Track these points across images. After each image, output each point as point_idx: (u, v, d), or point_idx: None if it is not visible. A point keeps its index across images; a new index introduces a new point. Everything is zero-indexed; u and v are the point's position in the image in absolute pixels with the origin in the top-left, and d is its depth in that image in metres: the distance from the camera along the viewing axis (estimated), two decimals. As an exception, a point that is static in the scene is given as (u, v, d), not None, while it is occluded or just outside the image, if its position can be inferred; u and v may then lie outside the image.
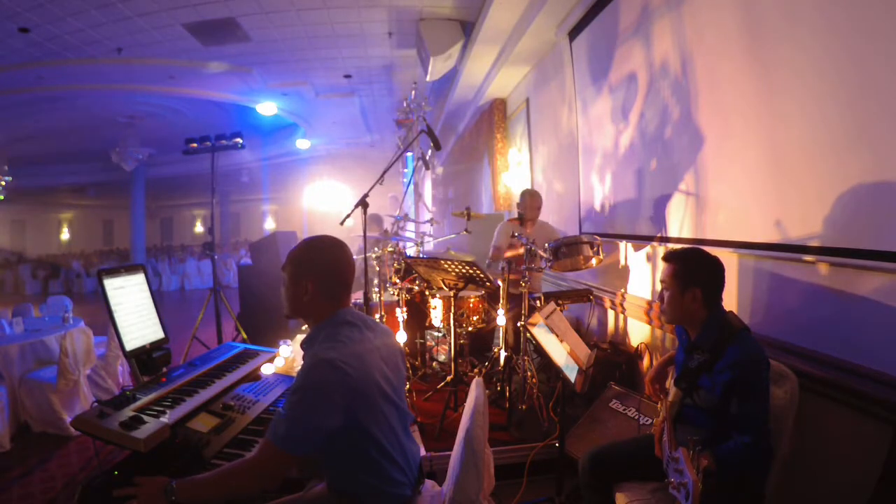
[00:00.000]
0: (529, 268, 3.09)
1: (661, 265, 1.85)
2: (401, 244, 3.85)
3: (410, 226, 5.71)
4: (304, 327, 1.71)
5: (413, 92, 6.14)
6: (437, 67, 5.40)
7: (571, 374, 2.19)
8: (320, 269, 1.44)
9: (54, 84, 6.92)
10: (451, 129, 9.14)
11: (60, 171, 14.85)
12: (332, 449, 1.32)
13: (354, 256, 1.65)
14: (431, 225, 4.72)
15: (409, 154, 7.90)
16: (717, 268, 1.74)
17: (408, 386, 3.32)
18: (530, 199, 3.70)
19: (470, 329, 3.56)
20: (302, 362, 1.35)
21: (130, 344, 2.06)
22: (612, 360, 3.16)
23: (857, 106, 1.67)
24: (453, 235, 4.34)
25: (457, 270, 2.96)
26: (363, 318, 1.48)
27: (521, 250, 3.11)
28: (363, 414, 1.32)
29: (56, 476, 2.95)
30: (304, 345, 1.45)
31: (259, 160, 14.15)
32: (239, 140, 4.77)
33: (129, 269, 2.20)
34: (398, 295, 3.53)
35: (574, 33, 4.07)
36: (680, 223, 2.76)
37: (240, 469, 1.32)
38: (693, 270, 1.73)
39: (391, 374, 1.44)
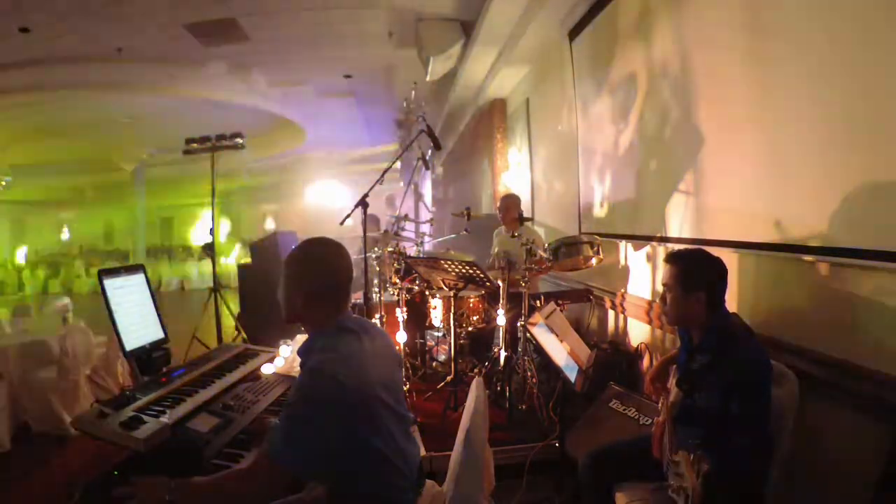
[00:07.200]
0: (530, 268, 3.09)
1: (663, 266, 1.84)
2: (401, 244, 3.86)
3: (409, 225, 5.70)
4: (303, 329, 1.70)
5: (413, 92, 6.13)
6: (437, 67, 5.39)
7: (571, 374, 2.20)
8: (316, 274, 1.42)
9: (54, 84, 6.92)
10: (451, 129, 9.12)
11: (61, 171, 14.78)
12: (331, 460, 1.30)
13: (354, 257, 1.64)
14: (431, 225, 4.71)
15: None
16: (721, 269, 1.72)
17: (407, 386, 3.32)
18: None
19: (470, 329, 3.56)
20: (299, 370, 1.34)
21: (130, 344, 2.06)
22: (612, 360, 3.16)
23: (858, 105, 1.67)
24: (453, 235, 4.34)
25: (457, 270, 2.96)
26: (361, 323, 1.47)
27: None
28: (362, 425, 1.30)
29: (56, 476, 2.94)
30: (301, 353, 1.43)
31: (259, 160, 14.13)
32: (239, 140, 4.77)
33: (129, 269, 2.19)
34: (398, 295, 3.52)
35: (574, 33, 4.07)
36: (680, 223, 2.76)
37: (236, 480, 1.31)
38: (697, 273, 1.71)
39: (390, 380, 1.43)
